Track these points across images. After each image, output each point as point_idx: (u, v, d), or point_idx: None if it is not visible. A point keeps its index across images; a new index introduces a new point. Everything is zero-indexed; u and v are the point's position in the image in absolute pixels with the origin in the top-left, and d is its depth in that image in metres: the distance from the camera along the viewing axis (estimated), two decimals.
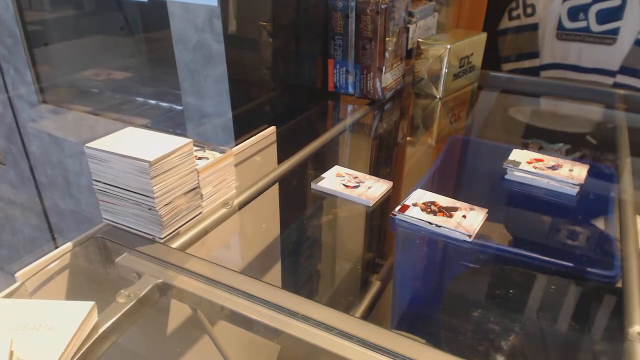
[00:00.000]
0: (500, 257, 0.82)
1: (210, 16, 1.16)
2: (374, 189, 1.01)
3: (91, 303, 0.64)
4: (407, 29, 1.53)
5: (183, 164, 0.79)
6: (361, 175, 1.07)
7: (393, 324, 1.04)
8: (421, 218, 0.87)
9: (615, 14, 1.49)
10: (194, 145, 0.82)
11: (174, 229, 0.81)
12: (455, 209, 0.89)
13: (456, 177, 1.22)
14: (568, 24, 1.58)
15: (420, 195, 0.94)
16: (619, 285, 0.75)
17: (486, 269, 0.89)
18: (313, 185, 1.05)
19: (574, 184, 1.00)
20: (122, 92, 1.77)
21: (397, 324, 1.03)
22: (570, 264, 0.84)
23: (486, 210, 0.90)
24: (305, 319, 0.64)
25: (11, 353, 0.57)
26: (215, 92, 1.26)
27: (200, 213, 0.86)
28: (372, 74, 1.41)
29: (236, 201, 0.94)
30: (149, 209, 0.77)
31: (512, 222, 1.05)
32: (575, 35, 1.58)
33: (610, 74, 1.55)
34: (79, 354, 0.60)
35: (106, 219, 0.84)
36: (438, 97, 1.55)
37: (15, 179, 1.91)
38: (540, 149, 1.22)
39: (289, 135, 1.28)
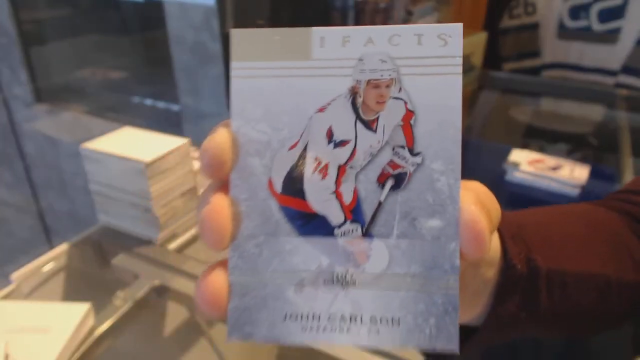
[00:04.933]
0: None
1: (207, 16, 1.16)
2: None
3: (87, 305, 0.64)
4: None
5: (180, 164, 0.78)
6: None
7: None
8: None
9: (616, 12, 1.48)
10: (191, 145, 0.81)
11: (170, 230, 0.80)
12: None
13: None
14: (569, 23, 1.57)
15: None
16: None
17: None
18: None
19: (575, 185, 0.99)
20: (118, 92, 1.76)
21: None
22: None
23: None
24: None
25: (7, 356, 0.56)
26: (212, 92, 1.25)
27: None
28: None
29: None
30: (146, 211, 0.76)
31: None
32: (577, 35, 1.57)
33: (612, 73, 1.54)
34: (75, 356, 0.60)
35: (102, 220, 0.83)
36: None
37: (10, 179, 1.90)
38: (541, 150, 1.22)
39: None
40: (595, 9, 1.52)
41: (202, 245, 0.85)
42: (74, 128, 1.66)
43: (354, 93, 0.21)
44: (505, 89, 1.66)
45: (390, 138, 0.21)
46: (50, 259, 0.77)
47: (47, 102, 1.69)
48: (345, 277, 0.21)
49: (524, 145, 1.21)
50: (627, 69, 1.52)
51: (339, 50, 0.21)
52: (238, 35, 0.22)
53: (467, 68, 1.53)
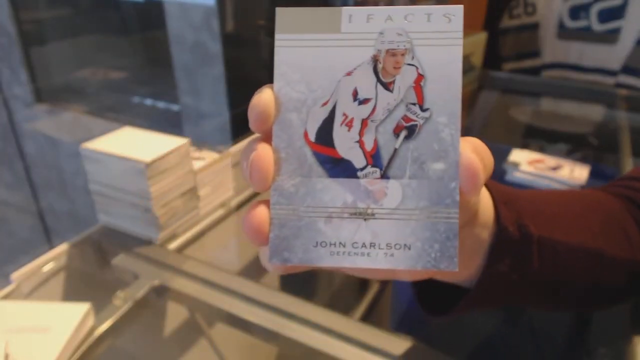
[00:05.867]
0: None
1: (207, 16, 1.16)
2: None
3: (87, 305, 0.64)
4: None
5: (180, 164, 0.78)
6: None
7: (392, 325, 1.03)
8: None
9: (616, 12, 1.48)
10: (191, 145, 0.81)
11: (170, 230, 0.80)
12: None
13: None
14: (569, 23, 1.57)
15: None
16: None
17: None
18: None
19: (575, 185, 0.99)
20: (118, 92, 1.76)
21: (397, 325, 1.02)
22: None
23: None
24: (304, 322, 0.63)
25: (7, 356, 0.56)
26: (212, 92, 1.25)
27: (197, 214, 0.85)
28: None
29: (234, 202, 0.93)
30: (145, 211, 0.76)
31: None
32: (577, 35, 1.57)
33: (612, 73, 1.55)
34: (75, 356, 0.60)
35: (102, 220, 0.83)
36: None
37: (10, 179, 1.90)
38: (541, 150, 1.22)
39: None
40: (595, 9, 1.52)
41: (202, 245, 0.85)
42: (74, 128, 1.66)
43: (375, 60, 0.26)
44: (505, 89, 1.66)
45: (404, 97, 0.26)
46: (50, 259, 0.77)
47: (47, 102, 1.69)
48: (366, 211, 0.26)
49: (524, 145, 1.21)
50: (627, 69, 1.52)
51: (363, 26, 0.26)
52: (282, 13, 0.27)
53: (467, 68, 1.53)
